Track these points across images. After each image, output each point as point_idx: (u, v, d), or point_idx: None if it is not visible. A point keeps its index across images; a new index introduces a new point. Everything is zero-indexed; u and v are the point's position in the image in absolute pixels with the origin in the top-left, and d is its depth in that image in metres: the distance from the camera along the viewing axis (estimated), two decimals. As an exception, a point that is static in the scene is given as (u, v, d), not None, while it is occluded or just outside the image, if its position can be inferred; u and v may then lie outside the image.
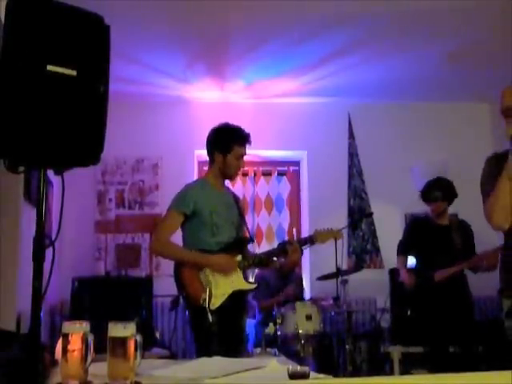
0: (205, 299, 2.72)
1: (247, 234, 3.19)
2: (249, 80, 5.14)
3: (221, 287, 2.85)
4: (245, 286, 2.96)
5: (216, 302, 2.80)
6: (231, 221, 3.02)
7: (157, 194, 5.36)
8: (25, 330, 1.47)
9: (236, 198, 3.19)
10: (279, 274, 4.72)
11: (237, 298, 2.91)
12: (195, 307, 2.79)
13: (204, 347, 2.73)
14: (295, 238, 5.43)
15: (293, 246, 3.02)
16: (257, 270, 5.36)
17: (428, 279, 3.98)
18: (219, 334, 2.76)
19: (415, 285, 4.09)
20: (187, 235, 2.99)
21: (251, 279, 3.10)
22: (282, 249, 3.07)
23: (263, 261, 3.11)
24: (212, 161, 3.07)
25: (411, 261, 4.26)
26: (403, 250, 4.30)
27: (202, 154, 3.28)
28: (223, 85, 5.26)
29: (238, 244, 3.03)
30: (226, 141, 3.01)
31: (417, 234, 4.23)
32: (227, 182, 3.21)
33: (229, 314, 2.85)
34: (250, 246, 3.35)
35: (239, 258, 2.96)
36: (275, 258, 3.18)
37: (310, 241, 3.17)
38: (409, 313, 4.27)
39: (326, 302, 4.55)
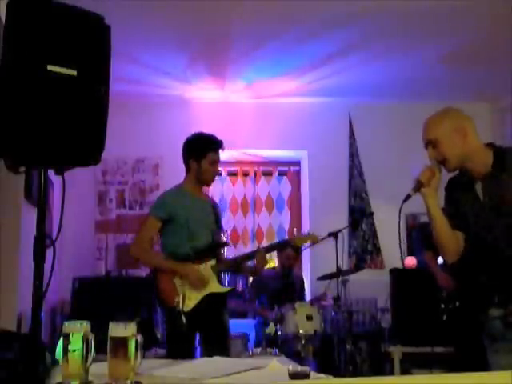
0: (178, 302, 2.84)
1: (223, 239, 3.35)
2: (249, 80, 5.14)
3: (195, 290, 2.98)
4: (219, 289, 3.07)
5: (189, 304, 2.92)
6: (207, 227, 3.14)
7: (157, 194, 5.33)
8: (25, 330, 1.46)
9: (214, 204, 3.32)
10: (278, 277, 4.73)
11: (211, 301, 3.01)
12: (169, 309, 2.90)
13: (175, 348, 2.90)
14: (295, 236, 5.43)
15: (260, 254, 3.20)
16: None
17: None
18: (193, 335, 2.96)
19: (455, 286, 3.65)
20: (164, 239, 3.12)
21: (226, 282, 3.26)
22: (252, 256, 3.28)
23: (237, 265, 3.28)
24: (188, 169, 3.20)
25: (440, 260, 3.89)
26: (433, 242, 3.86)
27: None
28: (223, 85, 5.26)
29: (213, 249, 3.14)
30: (200, 148, 3.14)
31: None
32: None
33: (203, 316, 2.97)
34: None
35: (213, 262, 3.07)
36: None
37: (286, 243, 3.43)
38: (444, 318, 3.83)
39: (327, 302, 4.56)
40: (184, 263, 3.00)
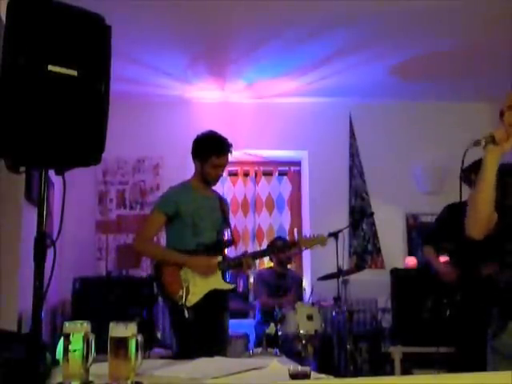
0: (181, 296, 2.82)
1: (229, 237, 3.31)
2: (250, 80, 5.14)
3: (198, 285, 2.98)
4: (222, 285, 3.08)
5: (192, 299, 2.91)
6: (213, 224, 3.15)
7: (157, 194, 5.35)
8: (26, 330, 1.46)
9: (222, 202, 3.31)
10: (278, 274, 4.74)
11: (214, 297, 3.02)
12: (172, 303, 2.90)
13: (183, 342, 2.92)
14: (298, 236, 5.42)
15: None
16: (258, 269, 5.39)
17: (473, 272, 3.47)
18: (196, 330, 2.86)
19: (458, 277, 3.60)
20: (169, 234, 3.14)
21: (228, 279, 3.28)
22: (264, 254, 3.48)
23: (242, 263, 3.25)
24: (195, 166, 3.22)
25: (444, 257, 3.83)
26: (434, 238, 3.85)
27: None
28: (224, 85, 5.26)
29: (218, 246, 3.15)
30: (204, 151, 3.14)
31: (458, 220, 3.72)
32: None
33: (205, 312, 2.95)
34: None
35: (220, 258, 3.08)
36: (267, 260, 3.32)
37: (293, 246, 3.46)
38: (448, 313, 3.75)
39: (327, 302, 4.56)
40: (191, 255, 3.01)
